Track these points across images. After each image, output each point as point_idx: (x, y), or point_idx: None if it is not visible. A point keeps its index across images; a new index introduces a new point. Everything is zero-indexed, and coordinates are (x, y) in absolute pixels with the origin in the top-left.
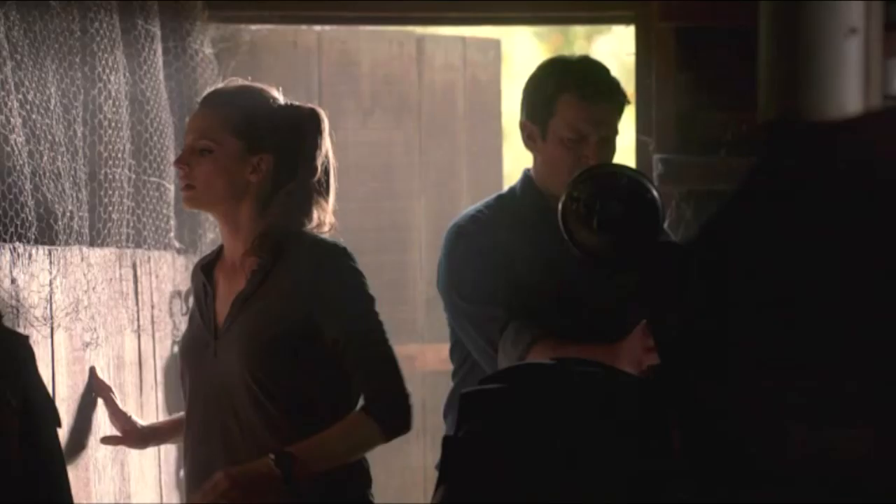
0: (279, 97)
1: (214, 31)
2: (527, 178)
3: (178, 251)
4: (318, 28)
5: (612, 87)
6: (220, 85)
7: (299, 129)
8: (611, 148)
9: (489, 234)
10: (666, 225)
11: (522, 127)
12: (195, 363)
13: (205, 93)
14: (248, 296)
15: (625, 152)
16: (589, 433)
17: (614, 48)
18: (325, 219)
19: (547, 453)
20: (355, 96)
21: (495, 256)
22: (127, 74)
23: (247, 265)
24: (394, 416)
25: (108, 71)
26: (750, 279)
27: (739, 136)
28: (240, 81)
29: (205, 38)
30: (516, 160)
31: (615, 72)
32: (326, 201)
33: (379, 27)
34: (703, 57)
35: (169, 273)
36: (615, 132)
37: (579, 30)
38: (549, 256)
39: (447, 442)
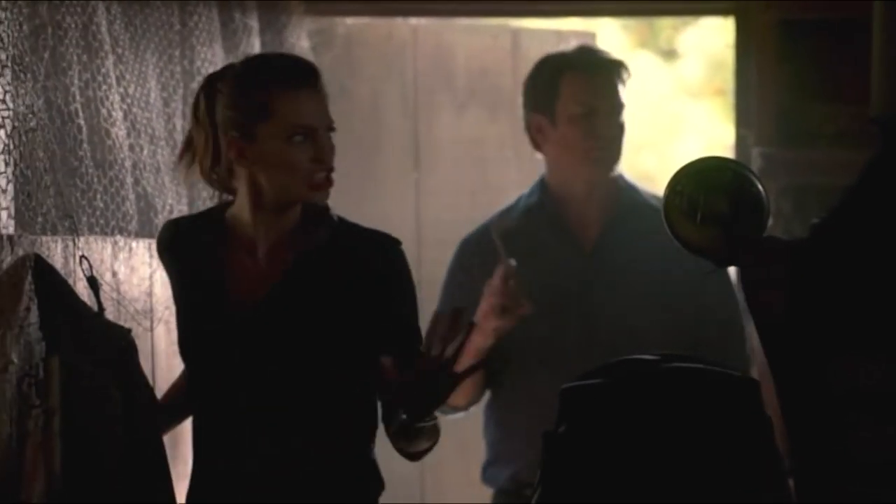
0: None
1: (310, 25)
2: (541, 183)
3: None
4: (412, 21)
5: (610, 59)
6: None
7: None
8: (621, 120)
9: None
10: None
11: (528, 126)
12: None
13: (300, 70)
14: (292, 286)
15: (724, 145)
16: (689, 431)
17: (702, 40)
18: None
19: (648, 451)
20: (450, 90)
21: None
22: None
23: (289, 250)
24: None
25: (206, 65)
26: (864, 275)
27: (841, 129)
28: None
29: (301, 31)
30: None
31: (703, 63)
32: None
33: (474, 20)
34: (803, 49)
35: None
36: (622, 105)
37: (666, 22)
38: (551, 259)
39: (548, 439)
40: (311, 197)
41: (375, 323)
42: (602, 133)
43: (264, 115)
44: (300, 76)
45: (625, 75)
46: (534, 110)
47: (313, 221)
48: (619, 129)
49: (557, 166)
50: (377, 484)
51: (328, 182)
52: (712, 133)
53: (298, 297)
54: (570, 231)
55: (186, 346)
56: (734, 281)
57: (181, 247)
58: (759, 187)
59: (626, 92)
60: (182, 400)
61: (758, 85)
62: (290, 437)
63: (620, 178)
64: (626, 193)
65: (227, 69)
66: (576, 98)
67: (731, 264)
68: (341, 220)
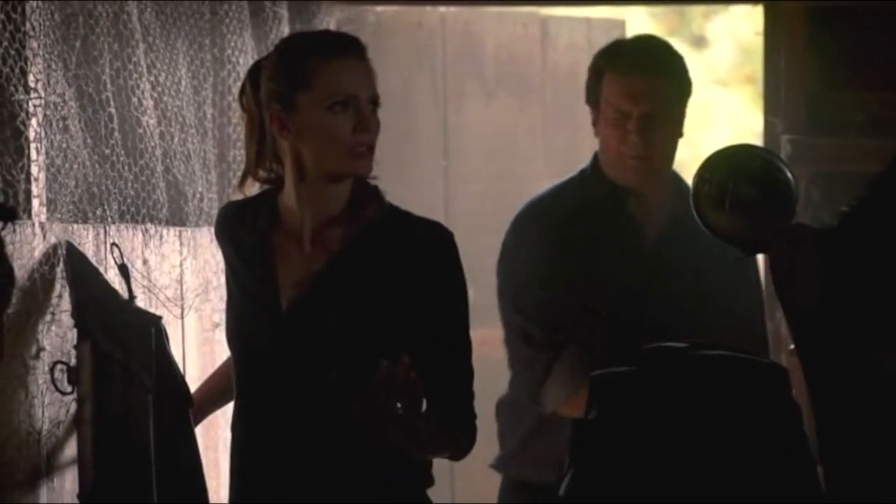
0: None
1: (339, 13)
2: (594, 161)
3: None
4: (442, 9)
5: (656, 59)
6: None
7: None
8: (660, 125)
9: (552, 232)
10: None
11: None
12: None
13: (344, 40)
14: (334, 280)
15: (753, 133)
16: (717, 417)
17: (731, 27)
18: None
19: (676, 437)
20: (478, 78)
21: (554, 265)
22: (255, 56)
23: (335, 235)
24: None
25: (237, 53)
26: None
27: (870, 116)
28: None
29: (330, 19)
30: None
31: (733, 51)
32: None
33: (503, 8)
34: (833, 36)
35: None
36: (665, 108)
37: (696, 9)
38: (614, 246)
39: (578, 426)
40: (354, 167)
41: (423, 319)
42: (633, 142)
43: (305, 84)
44: (340, 45)
45: (678, 77)
46: (587, 102)
47: (362, 202)
48: (656, 135)
49: (601, 157)
50: (424, 479)
51: (369, 152)
52: (742, 121)
53: (341, 290)
54: (634, 220)
55: (232, 336)
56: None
57: (232, 231)
58: (788, 175)
59: (678, 92)
60: (223, 386)
61: (787, 72)
62: (336, 433)
63: (675, 175)
64: (681, 191)
65: (273, 51)
66: (611, 102)
67: (759, 252)
68: (392, 206)
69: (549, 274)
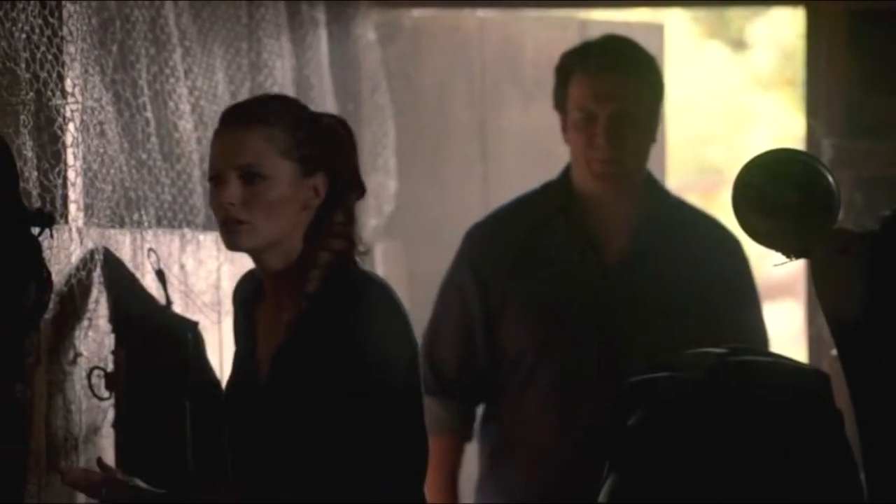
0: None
1: (377, 17)
2: (565, 171)
3: None
4: (479, 12)
5: (624, 58)
6: (239, 101)
7: (342, 139)
8: (629, 126)
9: (489, 258)
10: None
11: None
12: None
13: (228, 110)
14: (290, 353)
15: (794, 137)
16: (758, 423)
17: (772, 30)
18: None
19: (717, 444)
20: (517, 82)
21: (479, 310)
22: (292, 60)
23: (291, 311)
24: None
25: (273, 57)
26: None
27: None
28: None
29: (367, 23)
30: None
31: (773, 54)
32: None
33: (542, 11)
34: (874, 39)
35: None
36: (634, 108)
37: (736, 12)
38: (568, 265)
39: (616, 431)
40: (226, 243)
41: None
42: (600, 144)
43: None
44: (222, 119)
45: (646, 75)
46: (555, 107)
47: (304, 277)
48: (623, 135)
49: (575, 169)
50: None
51: (239, 225)
52: (782, 124)
53: (294, 365)
54: (594, 241)
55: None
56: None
57: (235, 299)
58: (830, 179)
59: (649, 93)
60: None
61: (828, 76)
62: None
63: (650, 180)
64: (655, 197)
65: None
66: (576, 102)
67: (801, 257)
68: (337, 278)
69: (461, 331)
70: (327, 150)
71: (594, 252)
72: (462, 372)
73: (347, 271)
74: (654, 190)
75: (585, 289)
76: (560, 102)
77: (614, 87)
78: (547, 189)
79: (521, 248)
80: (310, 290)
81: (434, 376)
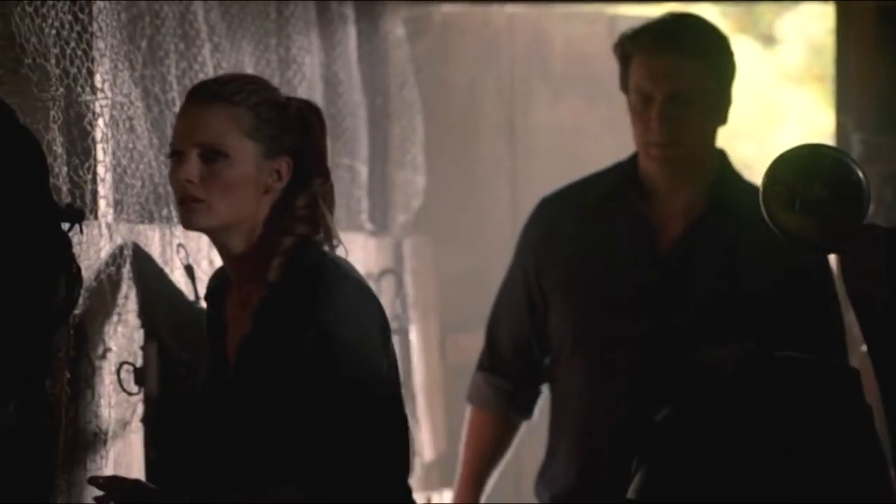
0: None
1: (406, 13)
2: (631, 163)
3: (370, 233)
4: (509, 8)
5: (683, 37)
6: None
7: (311, 125)
8: (687, 108)
9: (556, 231)
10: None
11: None
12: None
13: (194, 87)
14: (253, 343)
15: (823, 132)
16: (790, 419)
17: (801, 25)
18: (335, 231)
19: (749, 439)
20: (546, 78)
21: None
22: (321, 56)
23: (254, 299)
24: None
25: (302, 53)
26: None
27: None
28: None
29: (396, 19)
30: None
31: (803, 49)
32: (332, 210)
33: (571, 7)
34: None
35: (361, 255)
36: (693, 89)
37: (765, 7)
38: (623, 247)
39: (648, 425)
40: (182, 221)
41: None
42: (655, 127)
43: None
44: (187, 95)
45: (703, 53)
46: (621, 88)
47: (266, 263)
48: (680, 117)
49: (639, 153)
50: None
51: (197, 204)
52: (812, 120)
53: (259, 353)
54: (649, 227)
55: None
56: (833, 273)
57: (209, 292)
58: (860, 174)
59: (711, 73)
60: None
61: (858, 71)
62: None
63: (722, 165)
64: (722, 186)
65: None
66: (635, 85)
67: (830, 252)
68: (304, 269)
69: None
70: (293, 134)
71: (647, 240)
72: (513, 353)
73: (311, 257)
74: (725, 175)
75: (633, 279)
76: (623, 84)
77: (668, 67)
78: (614, 170)
79: (576, 230)
80: (271, 278)
81: (488, 351)
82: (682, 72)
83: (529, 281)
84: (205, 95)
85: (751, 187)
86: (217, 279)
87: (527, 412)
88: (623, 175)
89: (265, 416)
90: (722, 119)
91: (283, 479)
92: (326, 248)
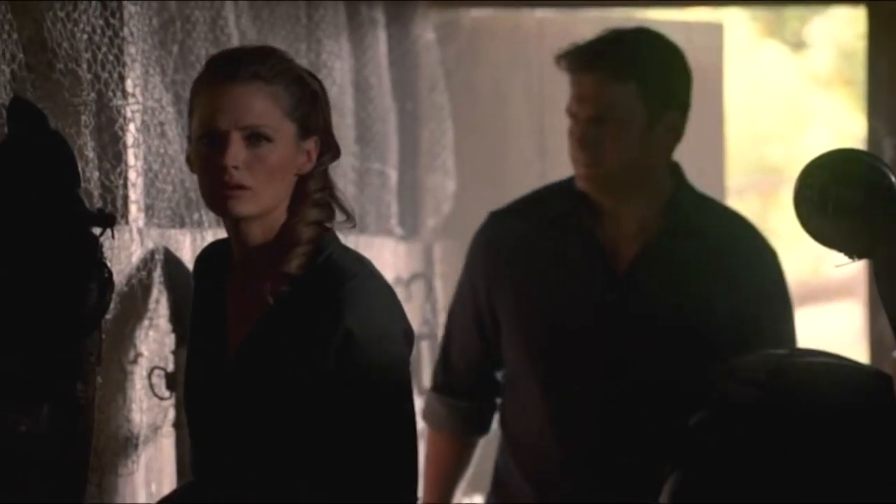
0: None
1: (435, 17)
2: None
3: (400, 237)
4: (538, 13)
5: (602, 55)
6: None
7: (324, 100)
8: (611, 131)
9: (500, 251)
10: None
11: None
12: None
13: (217, 61)
14: (264, 340)
15: (854, 137)
16: (822, 424)
17: (831, 30)
18: (352, 209)
19: (781, 444)
20: None
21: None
22: (351, 61)
23: (268, 290)
24: None
25: (332, 58)
26: None
27: None
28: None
29: (426, 23)
30: (738, 145)
31: (832, 53)
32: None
33: (600, 12)
34: None
35: (391, 259)
36: (617, 111)
37: (795, 11)
38: (573, 268)
39: (681, 430)
40: (224, 209)
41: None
42: (578, 147)
43: (190, 114)
44: (216, 69)
45: (633, 73)
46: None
47: (284, 252)
48: (602, 143)
49: None
50: None
51: (240, 191)
52: (841, 124)
53: (271, 349)
54: (601, 248)
55: (184, 393)
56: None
57: (199, 273)
58: (893, 179)
59: (640, 93)
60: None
61: (890, 75)
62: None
63: (677, 184)
64: (676, 205)
65: None
66: (567, 103)
67: (863, 257)
68: (326, 259)
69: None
70: (316, 110)
71: (601, 261)
72: (465, 371)
73: (335, 253)
74: (680, 195)
75: (587, 301)
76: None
77: (588, 88)
78: (566, 185)
79: (528, 249)
80: (291, 271)
81: (441, 369)
82: (603, 93)
83: (479, 301)
84: (240, 74)
85: (708, 203)
86: (212, 253)
87: (483, 429)
88: (574, 192)
89: (271, 416)
90: (665, 140)
91: (295, 486)
92: (345, 230)
